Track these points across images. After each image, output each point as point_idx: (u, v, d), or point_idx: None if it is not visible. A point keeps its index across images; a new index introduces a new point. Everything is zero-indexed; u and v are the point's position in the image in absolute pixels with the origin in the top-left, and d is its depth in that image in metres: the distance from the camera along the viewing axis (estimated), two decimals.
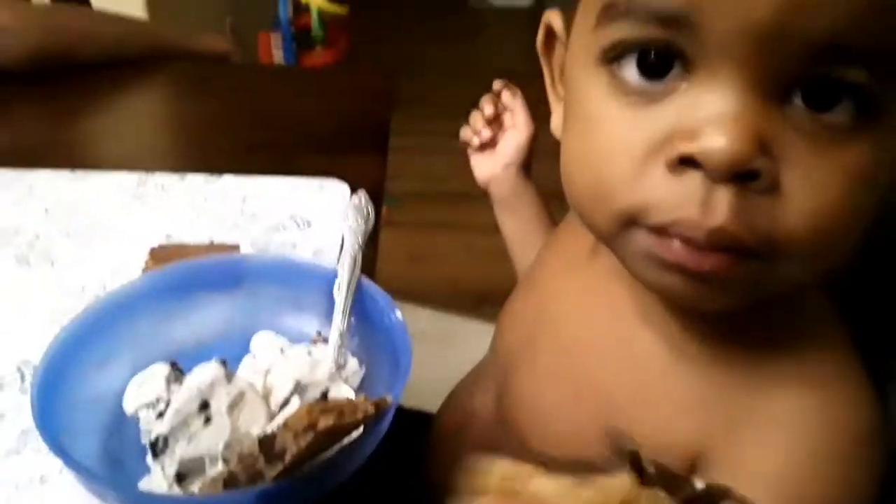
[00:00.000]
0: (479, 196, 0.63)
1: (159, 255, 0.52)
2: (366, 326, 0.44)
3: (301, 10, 2.54)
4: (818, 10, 0.25)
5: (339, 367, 0.42)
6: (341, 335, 0.43)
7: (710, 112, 0.28)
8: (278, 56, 2.39)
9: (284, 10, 2.48)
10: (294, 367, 0.41)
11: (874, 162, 0.28)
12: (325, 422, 0.32)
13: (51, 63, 0.85)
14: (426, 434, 0.55)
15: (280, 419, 0.37)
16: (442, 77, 2.44)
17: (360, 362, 0.44)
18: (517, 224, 0.61)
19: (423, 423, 0.56)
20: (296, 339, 0.45)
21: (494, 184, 0.62)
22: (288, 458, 0.32)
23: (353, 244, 0.47)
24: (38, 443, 0.39)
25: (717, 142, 0.27)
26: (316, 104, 0.86)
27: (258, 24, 2.43)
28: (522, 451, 0.40)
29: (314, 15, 2.55)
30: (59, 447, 0.34)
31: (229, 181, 0.66)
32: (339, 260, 0.47)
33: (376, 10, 2.92)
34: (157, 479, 0.36)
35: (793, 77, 0.27)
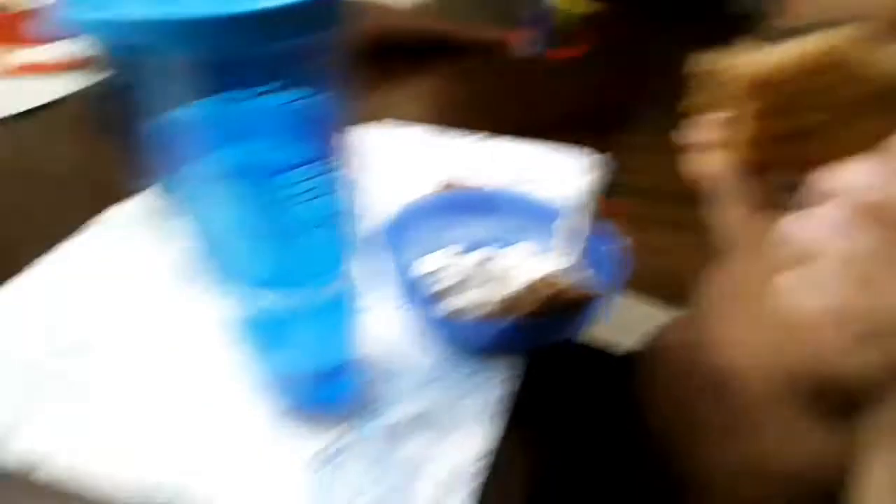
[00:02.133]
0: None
1: (447, 186, 0.71)
2: (593, 249, 0.60)
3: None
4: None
5: (574, 272, 0.58)
6: (578, 250, 0.58)
7: None
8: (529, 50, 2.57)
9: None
10: (539, 264, 0.57)
11: None
12: (555, 287, 0.48)
13: (379, 47, 1.12)
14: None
15: (525, 283, 0.54)
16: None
17: (589, 274, 0.59)
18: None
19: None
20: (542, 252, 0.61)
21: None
22: (528, 306, 0.49)
23: (590, 187, 0.62)
24: None
25: None
26: (566, 92, 1.03)
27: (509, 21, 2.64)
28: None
29: (563, 13, 2.69)
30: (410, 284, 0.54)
31: (496, 143, 0.85)
32: (576, 202, 0.62)
33: (628, 11, 2.99)
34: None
35: None
